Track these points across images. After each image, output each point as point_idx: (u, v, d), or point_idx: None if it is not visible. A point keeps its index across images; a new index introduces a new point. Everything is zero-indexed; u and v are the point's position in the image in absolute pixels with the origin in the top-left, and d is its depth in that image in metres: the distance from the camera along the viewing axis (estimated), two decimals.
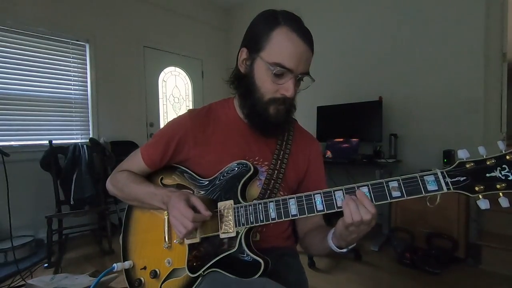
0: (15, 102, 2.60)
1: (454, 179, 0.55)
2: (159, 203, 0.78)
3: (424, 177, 0.56)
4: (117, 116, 3.28)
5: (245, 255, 0.69)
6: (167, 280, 0.78)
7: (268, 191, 0.80)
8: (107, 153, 2.74)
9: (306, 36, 0.73)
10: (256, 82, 0.76)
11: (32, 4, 2.65)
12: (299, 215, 0.65)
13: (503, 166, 0.52)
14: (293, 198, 0.66)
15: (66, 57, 2.92)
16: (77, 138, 2.97)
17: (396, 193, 0.58)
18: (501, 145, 0.53)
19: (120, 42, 3.28)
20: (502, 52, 2.43)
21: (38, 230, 2.63)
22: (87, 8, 3.01)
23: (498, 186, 0.52)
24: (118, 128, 3.27)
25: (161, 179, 0.87)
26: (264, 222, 0.69)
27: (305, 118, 2.61)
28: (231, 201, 0.73)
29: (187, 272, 0.74)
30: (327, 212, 0.63)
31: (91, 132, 3.08)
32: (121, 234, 0.92)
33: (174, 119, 0.88)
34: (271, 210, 0.68)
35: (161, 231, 0.82)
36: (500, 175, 0.52)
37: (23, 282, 1.81)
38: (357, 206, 0.58)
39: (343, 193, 0.62)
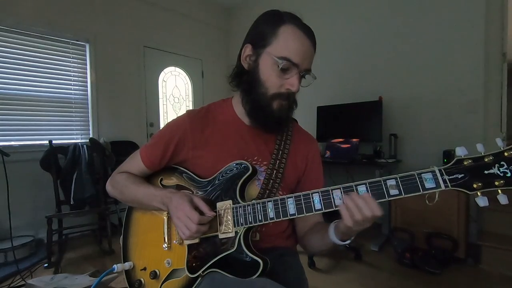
0: (15, 102, 2.60)
1: (452, 177, 0.55)
2: (158, 204, 0.78)
3: (422, 174, 0.56)
4: (117, 116, 3.28)
5: (244, 255, 0.69)
6: (167, 280, 0.78)
7: (267, 191, 0.80)
8: (107, 153, 2.74)
9: (310, 34, 0.76)
10: (261, 77, 0.77)
11: (32, 4, 2.65)
12: (298, 215, 0.65)
13: (501, 163, 0.52)
14: (291, 197, 0.67)
15: (66, 57, 2.92)
16: (77, 138, 2.97)
17: (394, 191, 0.58)
18: (499, 142, 0.53)
19: (120, 42, 3.28)
20: (502, 52, 2.42)
21: (38, 230, 2.63)
22: (87, 8, 3.02)
23: (496, 183, 0.52)
24: (118, 128, 3.27)
25: (161, 180, 0.88)
26: (263, 222, 0.69)
27: (305, 118, 2.62)
28: (230, 201, 0.73)
29: (187, 273, 0.74)
30: (325, 211, 0.63)
31: (91, 132, 3.08)
32: (121, 235, 0.92)
33: (173, 120, 0.88)
34: (269, 210, 0.68)
35: (160, 232, 0.82)
36: (498, 172, 0.52)
37: (23, 282, 1.81)
38: (356, 206, 0.59)
39: (341, 192, 0.62)
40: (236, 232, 0.71)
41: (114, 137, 3.16)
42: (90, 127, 3.08)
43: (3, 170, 1.95)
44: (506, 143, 0.53)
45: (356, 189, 0.61)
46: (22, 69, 2.64)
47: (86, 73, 3.06)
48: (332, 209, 0.62)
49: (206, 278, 0.71)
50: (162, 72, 3.78)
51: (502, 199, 0.52)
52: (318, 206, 0.64)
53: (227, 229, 0.72)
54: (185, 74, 4.04)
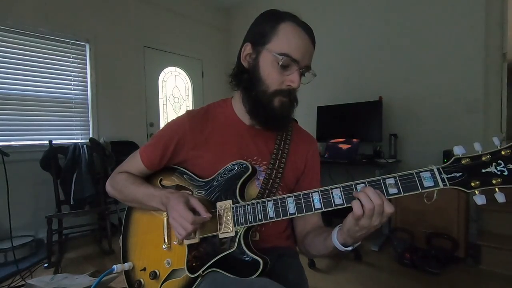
0: (15, 102, 2.60)
1: (450, 175, 0.55)
2: (158, 204, 0.78)
3: (421, 173, 0.57)
4: (117, 116, 3.28)
5: (244, 255, 0.69)
6: (167, 280, 0.78)
7: (267, 191, 0.80)
8: (107, 153, 2.74)
9: (309, 31, 0.77)
10: (261, 74, 0.77)
11: (32, 4, 2.66)
12: (297, 214, 0.66)
13: (499, 161, 0.52)
14: (291, 196, 0.67)
15: (66, 57, 2.92)
16: (77, 138, 2.97)
17: (393, 190, 0.58)
18: (496, 141, 0.54)
19: (120, 42, 3.28)
20: (502, 52, 2.43)
21: (38, 230, 2.63)
22: (87, 8, 3.02)
23: (494, 182, 0.52)
24: (118, 128, 3.27)
25: (160, 180, 0.88)
26: (263, 221, 0.69)
27: (305, 118, 2.62)
28: (230, 201, 0.73)
29: (187, 273, 0.74)
30: (325, 210, 0.63)
31: (91, 132, 3.08)
32: (121, 236, 0.92)
33: (173, 121, 0.88)
34: (269, 209, 0.68)
35: (160, 232, 0.82)
36: (495, 171, 0.52)
37: (23, 282, 1.81)
38: (366, 195, 0.57)
39: (341, 191, 0.62)
40: (236, 232, 0.71)
41: (114, 137, 3.16)
42: (90, 127, 3.08)
43: (3, 170, 1.96)
44: (505, 142, 0.54)
45: (356, 188, 0.61)
46: (22, 69, 2.64)
47: (86, 73, 3.06)
48: (332, 208, 0.62)
49: (206, 278, 0.71)
50: (162, 72, 3.78)
51: (500, 197, 0.53)
52: (317, 205, 0.64)
53: (227, 229, 0.72)
54: (185, 74, 4.04)
